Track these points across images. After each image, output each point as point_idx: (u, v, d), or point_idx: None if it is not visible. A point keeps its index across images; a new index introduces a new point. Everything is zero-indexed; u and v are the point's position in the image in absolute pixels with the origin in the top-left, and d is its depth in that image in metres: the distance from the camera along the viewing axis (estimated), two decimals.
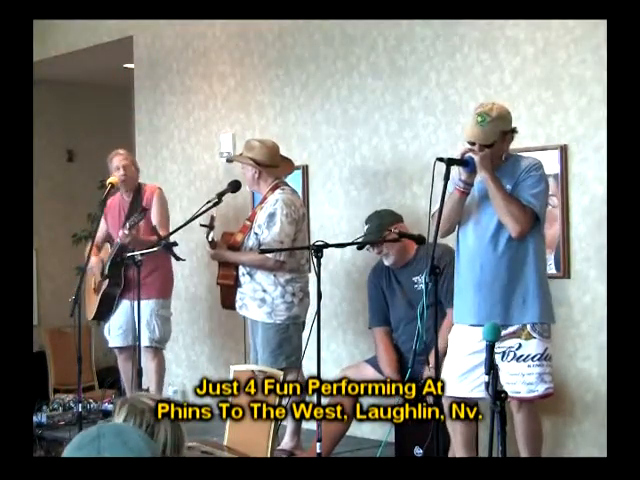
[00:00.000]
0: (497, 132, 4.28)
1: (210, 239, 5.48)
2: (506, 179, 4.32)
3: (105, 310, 6.24)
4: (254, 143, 5.60)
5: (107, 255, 6.20)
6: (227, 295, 5.66)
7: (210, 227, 5.44)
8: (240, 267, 5.53)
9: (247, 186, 5.76)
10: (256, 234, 5.45)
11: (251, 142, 5.64)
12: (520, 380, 4.28)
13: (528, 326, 4.30)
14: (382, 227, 5.17)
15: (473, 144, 4.29)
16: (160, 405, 2.36)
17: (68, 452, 2.01)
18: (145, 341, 6.12)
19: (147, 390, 5.79)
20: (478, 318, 4.29)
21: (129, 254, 5.60)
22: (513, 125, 4.38)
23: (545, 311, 4.35)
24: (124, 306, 6.16)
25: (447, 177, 4.19)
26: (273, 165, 5.54)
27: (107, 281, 6.13)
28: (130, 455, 1.96)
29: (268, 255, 5.28)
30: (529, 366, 4.28)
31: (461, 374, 4.37)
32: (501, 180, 4.29)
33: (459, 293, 4.47)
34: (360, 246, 5.27)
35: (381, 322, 5.37)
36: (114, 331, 6.29)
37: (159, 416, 2.34)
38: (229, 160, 6.01)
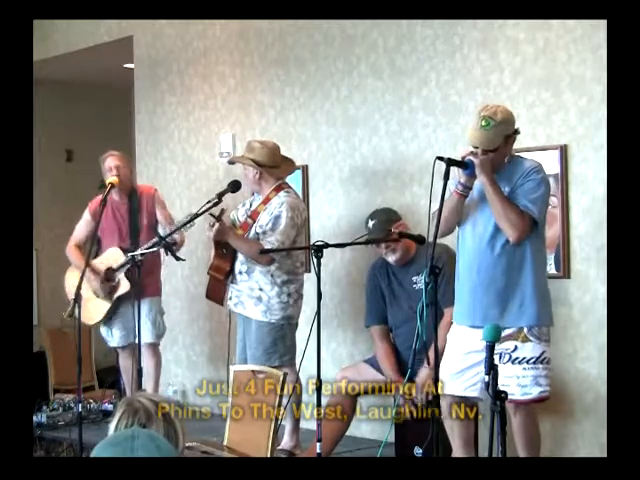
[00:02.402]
0: (501, 137, 4.25)
1: (212, 224, 5.41)
2: (504, 182, 4.29)
3: (112, 314, 6.23)
4: (255, 144, 5.60)
5: (117, 260, 6.15)
6: (213, 287, 5.69)
7: (218, 219, 5.40)
8: (236, 264, 5.53)
9: (249, 187, 5.75)
10: (257, 234, 5.45)
11: (252, 143, 5.64)
12: (515, 382, 4.25)
13: (525, 329, 4.28)
14: (389, 223, 5.18)
15: (476, 148, 4.27)
16: (160, 405, 2.36)
17: (100, 447, 2.03)
18: (150, 338, 6.16)
19: (146, 389, 5.79)
20: (474, 320, 4.30)
21: (129, 254, 5.61)
22: (515, 126, 4.36)
23: (542, 314, 4.32)
24: (126, 306, 6.15)
25: (447, 176, 4.18)
26: (274, 166, 5.54)
27: (127, 283, 6.09)
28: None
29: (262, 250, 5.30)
30: (524, 369, 4.26)
31: (456, 372, 4.37)
32: (500, 183, 4.27)
33: (458, 294, 4.47)
34: (370, 240, 5.26)
35: (379, 320, 5.37)
36: (117, 332, 6.29)
37: (159, 416, 2.33)
38: (230, 162, 5.98)
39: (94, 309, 6.25)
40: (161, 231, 5.99)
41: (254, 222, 5.51)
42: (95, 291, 6.20)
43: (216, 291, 5.68)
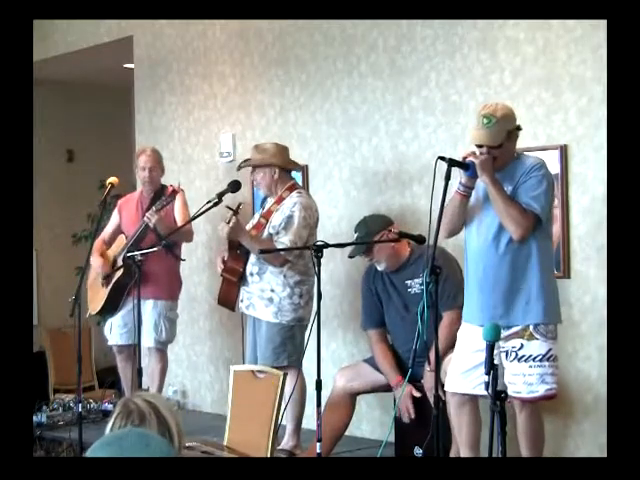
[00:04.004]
0: (504, 132, 4.28)
1: (228, 220, 5.35)
2: (507, 180, 4.31)
3: (113, 304, 6.18)
4: (266, 145, 5.63)
5: (120, 247, 6.18)
6: (226, 291, 5.63)
7: (235, 212, 5.36)
8: (248, 266, 5.51)
9: (261, 190, 5.67)
10: (270, 234, 5.44)
11: (261, 145, 5.66)
12: (521, 380, 4.27)
13: (531, 327, 4.29)
14: (370, 235, 5.15)
15: (480, 146, 4.28)
16: (154, 406, 2.35)
17: (96, 447, 2.03)
18: (150, 342, 6.13)
19: (147, 390, 5.79)
20: (481, 319, 4.29)
21: (129, 254, 5.60)
22: (516, 123, 4.37)
23: (549, 311, 4.32)
24: (130, 304, 6.14)
25: (448, 177, 4.19)
26: (287, 164, 5.58)
27: (121, 270, 6.08)
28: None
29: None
30: (530, 367, 4.27)
31: (465, 370, 4.38)
32: (502, 182, 4.28)
33: (467, 294, 4.49)
34: (351, 255, 5.27)
35: (375, 324, 5.36)
36: (117, 329, 6.27)
37: (152, 417, 2.33)
38: (254, 166, 5.63)
39: (96, 298, 6.26)
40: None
41: (267, 222, 5.51)
42: (98, 277, 6.24)
43: (229, 295, 5.63)
